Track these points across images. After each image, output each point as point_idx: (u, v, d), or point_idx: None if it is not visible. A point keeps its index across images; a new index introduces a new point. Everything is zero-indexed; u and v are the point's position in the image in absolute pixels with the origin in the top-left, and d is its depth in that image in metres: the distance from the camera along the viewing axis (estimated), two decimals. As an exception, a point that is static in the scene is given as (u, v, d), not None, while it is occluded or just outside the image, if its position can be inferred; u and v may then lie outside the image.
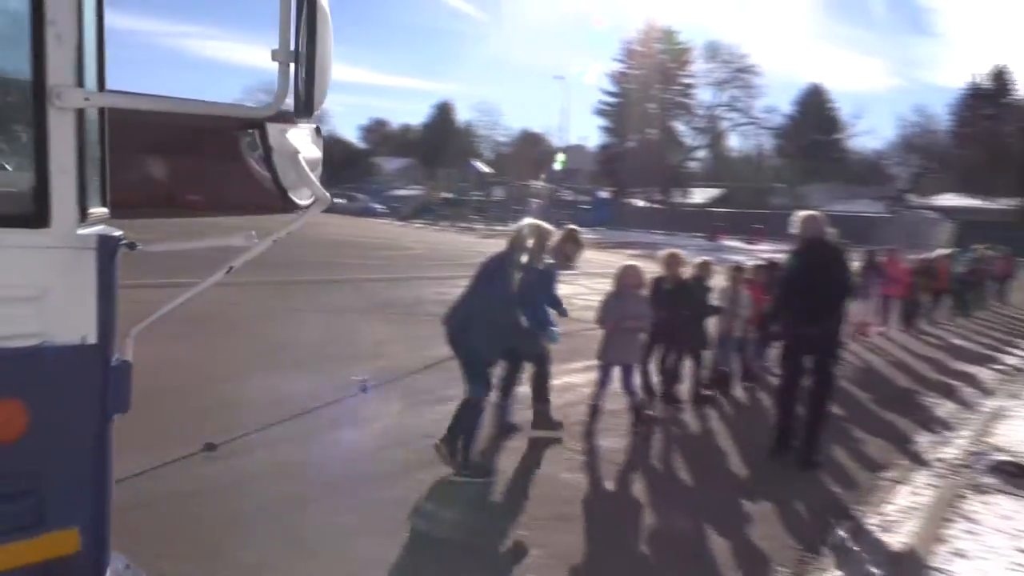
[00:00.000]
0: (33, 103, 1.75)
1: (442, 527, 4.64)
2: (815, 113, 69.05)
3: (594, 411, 6.88)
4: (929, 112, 65.91)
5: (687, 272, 7.84)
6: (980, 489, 5.80)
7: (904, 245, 18.30)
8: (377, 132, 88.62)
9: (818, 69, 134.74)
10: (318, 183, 2.12)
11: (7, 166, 2.01)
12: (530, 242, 5.81)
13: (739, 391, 8.70)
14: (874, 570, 4.48)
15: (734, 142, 75.80)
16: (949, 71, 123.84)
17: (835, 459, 6.53)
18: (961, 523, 5.10)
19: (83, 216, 1.89)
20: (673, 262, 7.58)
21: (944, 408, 8.73)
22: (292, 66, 1.92)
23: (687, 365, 7.95)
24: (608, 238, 38.96)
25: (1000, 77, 62.35)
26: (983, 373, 10.99)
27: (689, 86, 68.59)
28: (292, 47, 1.91)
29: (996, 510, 5.38)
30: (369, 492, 5.00)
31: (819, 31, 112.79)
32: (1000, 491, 5.80)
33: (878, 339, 13.17)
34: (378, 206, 54.04)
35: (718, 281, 8.63)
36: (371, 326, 10.83)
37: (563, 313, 6.54)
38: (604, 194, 63.36)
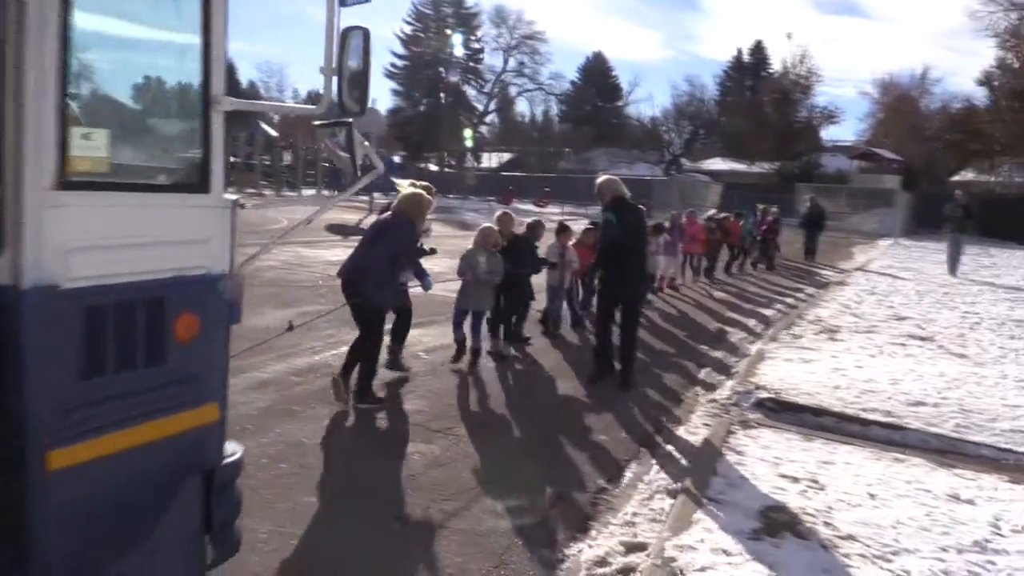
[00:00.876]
0: (201, 107, 2.47)
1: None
2: (597, 81, 72.09)
3: (459, 348, 7.80)
4: (698, 82, 70.89)
5: (519, 230, 8.89)
6: (746, 424, 6.43)
7: (681, 205, 19.89)
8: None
9: (600, 38, 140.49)
10: (377, 158, 3.24)
11: (184, 151, 2.66)
12: (413, 207, 6.60)
13: (567, 333, 9.98)
14: (660, 503, 4.87)
15: (522, 107, 77.68)
16: (715, 45, 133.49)
17: (628, 402, 7.02)
18: (731, 456, 5.63)
19: (224, 185, 2.62)
20: (507, 221, 8.52)
21: (722, 351, 9.63)
22: (335, 78, 2.72)
23: (520, 310, 8.99)
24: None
25: (758, 52, 68.06)
26: (756, 318, 12.18)
27: (478, 51, 69.22)
28: (335, 64, 2.71)
29: (760, 442, 5.99)
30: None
31: (600, 1, 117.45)
32: (762, 425, 6.46)
33: (681, 290, 14.73)
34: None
35: (547, 239, 9.67)
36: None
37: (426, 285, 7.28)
38: (396, 158, 62.74)
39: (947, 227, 19.95)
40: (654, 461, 5.69)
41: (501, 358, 8.19)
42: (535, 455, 5.69)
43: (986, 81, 48.58)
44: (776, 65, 64.53)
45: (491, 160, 69.31)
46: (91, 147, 2.21)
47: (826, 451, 5.84)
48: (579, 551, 4.27)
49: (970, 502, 4.95)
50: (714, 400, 7.32)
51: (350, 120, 2.86)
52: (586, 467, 5.52)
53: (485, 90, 71.06)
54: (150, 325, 2.37)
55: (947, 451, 6.06)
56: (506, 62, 70.05)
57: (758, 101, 59.59)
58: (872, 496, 4.97)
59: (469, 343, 7.84)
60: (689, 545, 4.15)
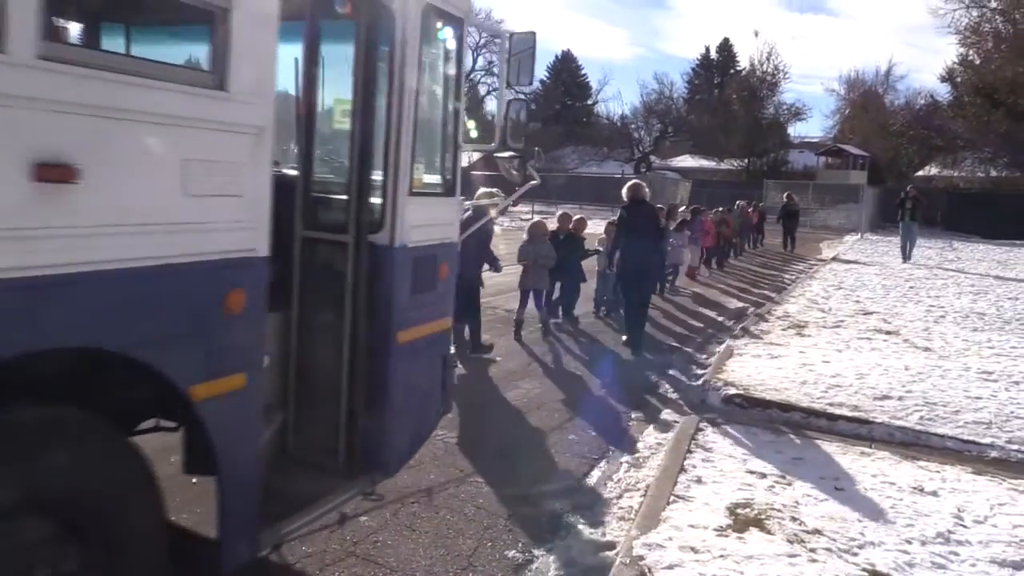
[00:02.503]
0: (453, 149, 4.24)
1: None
2: (567, 79, 72.12)
3: (518, 325, 9.53)
4: (667, 80, 71.10)
5: (571, 225, 10.87)
6: (714, 421, 6.45)
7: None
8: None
9: (569, 36, 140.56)
10: (536, 174, 5.06)
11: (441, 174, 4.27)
12: (489, 206, 7.89)
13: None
14: (628, 501, 4.88)
15: (492, 107, 77.53)
16: (683, 43, 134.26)
17: (598, 400, 7.05)
18: (699, 452, 5.65)
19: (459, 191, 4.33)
20: (566, 218, 10.90)
21: (691, 347, 9.70)
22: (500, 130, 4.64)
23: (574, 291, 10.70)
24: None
25: (726, 49, 68.49)
26: (726, 313, 12.24)
27: (447, 50, 68.86)
28: (503, 120, 4.62)
29: (728, 438, 6.01)
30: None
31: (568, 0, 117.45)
32: (731, 421, 6.48)
33: (697, 279, 16.24)
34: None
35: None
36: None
37: (497, 268, 9.00)
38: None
39: (900, 217, 21.83)
40: (623, 459, 5.70)
41: (546, 330, 9.89)
42: (504, 454, 5.68)
43: (949, 77, 49.28)
44: (743, 62, 65.07)
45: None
46: (418, 173, 3.94)
47: (794, 446, 5.88)
48: (548, 550, 4.26)
49: (934, 494, 5.01)
50: (683, 397, 7.35)
51: (515, 153, 4.79)
52: (555, 465, 5.52)
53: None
54: (432, 268, 4.05)
55: (912, 444, 6.13)
56: (475, 61, 69.72)
57: (726, 98, 59.98)
58: (839, 490, 5.01)
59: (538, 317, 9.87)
60: (657, 543, 4.14)
